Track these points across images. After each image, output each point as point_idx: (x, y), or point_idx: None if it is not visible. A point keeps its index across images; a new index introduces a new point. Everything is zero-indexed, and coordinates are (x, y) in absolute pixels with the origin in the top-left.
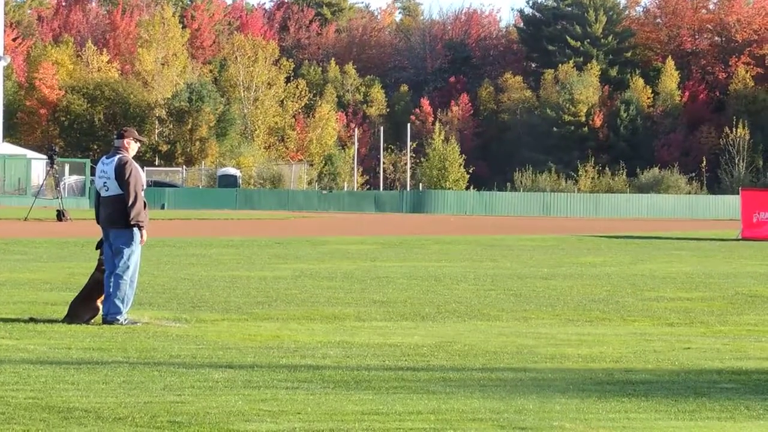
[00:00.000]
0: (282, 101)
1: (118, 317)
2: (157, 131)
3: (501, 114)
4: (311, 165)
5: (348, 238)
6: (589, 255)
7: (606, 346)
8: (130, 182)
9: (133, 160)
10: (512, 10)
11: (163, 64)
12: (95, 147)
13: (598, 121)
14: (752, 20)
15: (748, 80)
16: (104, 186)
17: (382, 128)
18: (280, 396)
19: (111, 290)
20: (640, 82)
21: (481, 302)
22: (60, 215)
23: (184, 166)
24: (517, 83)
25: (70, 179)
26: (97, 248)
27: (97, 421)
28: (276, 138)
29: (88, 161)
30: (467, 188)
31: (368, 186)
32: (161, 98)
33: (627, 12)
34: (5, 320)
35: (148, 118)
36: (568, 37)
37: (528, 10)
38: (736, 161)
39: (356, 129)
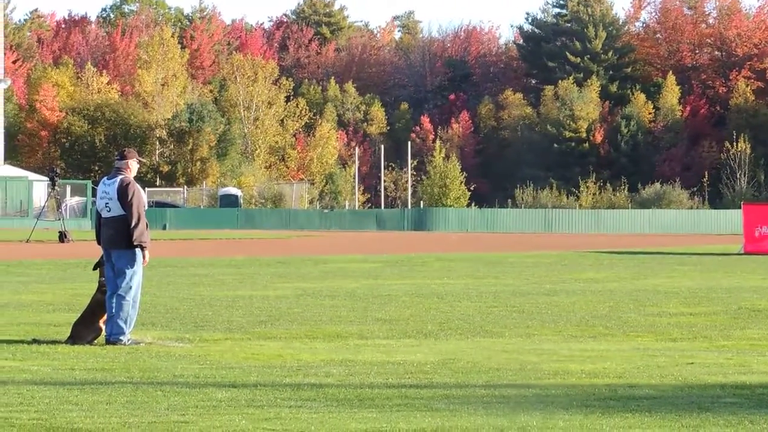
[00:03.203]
0: (282, 120)
1: (121, 338)
2: (157, 152)
3: (501, 131)
4: (312, 184)
5: (350, 257)
6: (592, 271)
7: (609, 362)
8: (133, 203)
9: (135, 181)
10: (512, 26)
11: (163, 85)
12: (96, 168)
13: (598, 137)
14: (752, 34)
15: (748, 94)
16: (106, 207)
17: (382, 146)
18: (283, 415)
19: (114, 311)
20: (641, 97)
21: (484, 319)
22: (62, 236)
23: (185, 187)
24: (517, 100)
25: (71, 201)
26: (94, 269)
27: None
28: (277, 157)
29: (89, 182)
30: (468, 205)
31: (369, 204)
32: (161, 119)
33: (627, 27)
34: (9, 342)
35: (149, 138)
36: (567, 53)
37: (527, 27)
38: (738, 175)
39: (357, 147)
